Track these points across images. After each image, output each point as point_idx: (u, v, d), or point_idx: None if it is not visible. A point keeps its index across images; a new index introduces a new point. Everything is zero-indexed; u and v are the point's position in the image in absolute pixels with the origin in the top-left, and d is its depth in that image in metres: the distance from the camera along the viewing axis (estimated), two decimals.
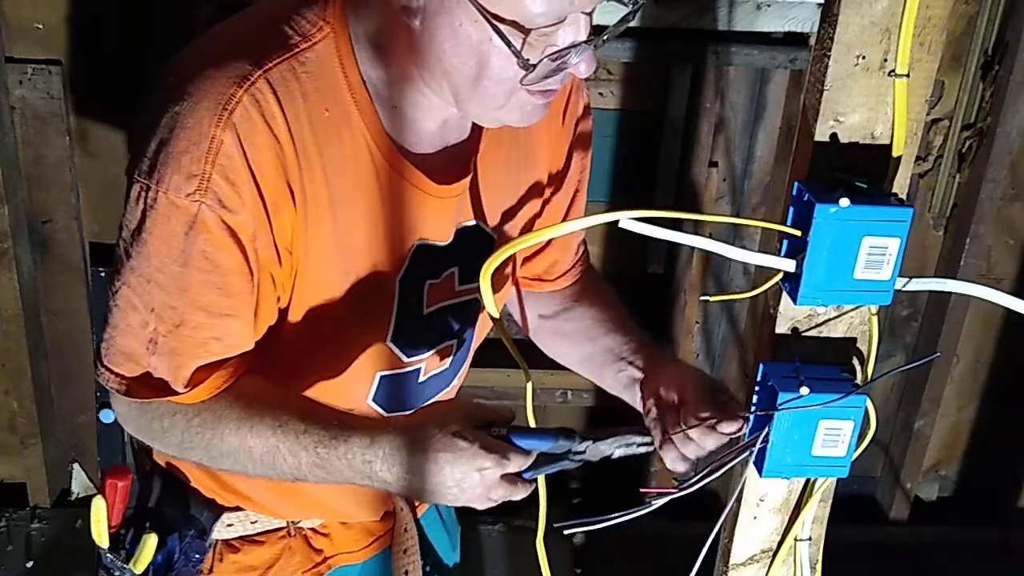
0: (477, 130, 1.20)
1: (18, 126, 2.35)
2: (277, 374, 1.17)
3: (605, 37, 1.04)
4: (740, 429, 1.11)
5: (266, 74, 1.03)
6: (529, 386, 1.17)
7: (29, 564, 2.56)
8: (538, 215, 1.32)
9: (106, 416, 2.53)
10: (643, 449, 1.12)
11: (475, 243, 1.23)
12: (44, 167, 2.39)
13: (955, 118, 2.52)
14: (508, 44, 0.98)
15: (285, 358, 1.17)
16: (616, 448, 1.12)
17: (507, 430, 1.09)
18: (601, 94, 2.42)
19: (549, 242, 1.37)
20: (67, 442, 2.70)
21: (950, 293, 2.14)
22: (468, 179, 1.19)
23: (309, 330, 1.15)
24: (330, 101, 1.07)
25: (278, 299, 1.13)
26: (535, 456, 1.09)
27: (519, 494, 1.10)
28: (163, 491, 1.30)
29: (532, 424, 1.18)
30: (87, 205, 2.45)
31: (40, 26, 2.28)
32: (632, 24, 2.38)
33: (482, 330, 1.34)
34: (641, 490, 1.19)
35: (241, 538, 1.32)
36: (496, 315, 1.12)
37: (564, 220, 1.35)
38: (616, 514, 1.11)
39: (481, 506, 1.11)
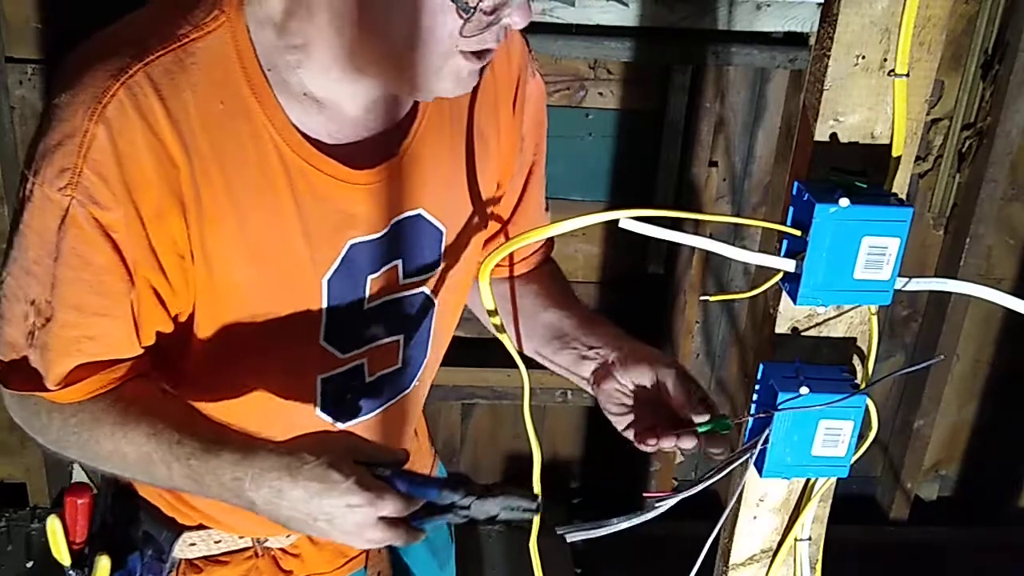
0: (408, 117, 1.14)
1: (18, 126, 2.35)
2: (207, 390, 1.14)
3: None
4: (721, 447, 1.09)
5: (146, 67, 0.99)
6: (527, 386, 1.17)
7: (29, 564, 2.56)
8: (491, 204, 1.27)
9: None
10: (528, 515, 1.05)
11: (419, 234, 1.18)
12: None
13: (955, 118, 2.52)
14: None
15: (210, 371, 1.14)
16: (501, 510, 1.04)
17: (391, 472, 1.03)
18: (601, 94, 2.42)
19: (505, 230, 1.32)
20: None
21: (950, 293, 2.13)
22: (393, 163, 1.12)
23: (230, 339, 1.11)
24: (225, 93, 1.02)
25: (168, 307, 1.08)
26: (419, 503, 1.02)
27: (401, 540, 1.02)
28: (118, 509, 1.26)
29: (530, 427, 1.18)
30: None
31: (40, 26, 2.28)
32: (632, 24, 2.38)
33: (444, 327, 1.28)
34: (644, 494, 1.19)
35: (205, 558, 1.27)
36: (495, 314, 1.12)
37: (518, 207, 1.31)
38: (618, 520, 1.10)
39: (359, 546, 1.05)
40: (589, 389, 1.24)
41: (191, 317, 1.10)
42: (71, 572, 1.26)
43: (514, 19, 1.01)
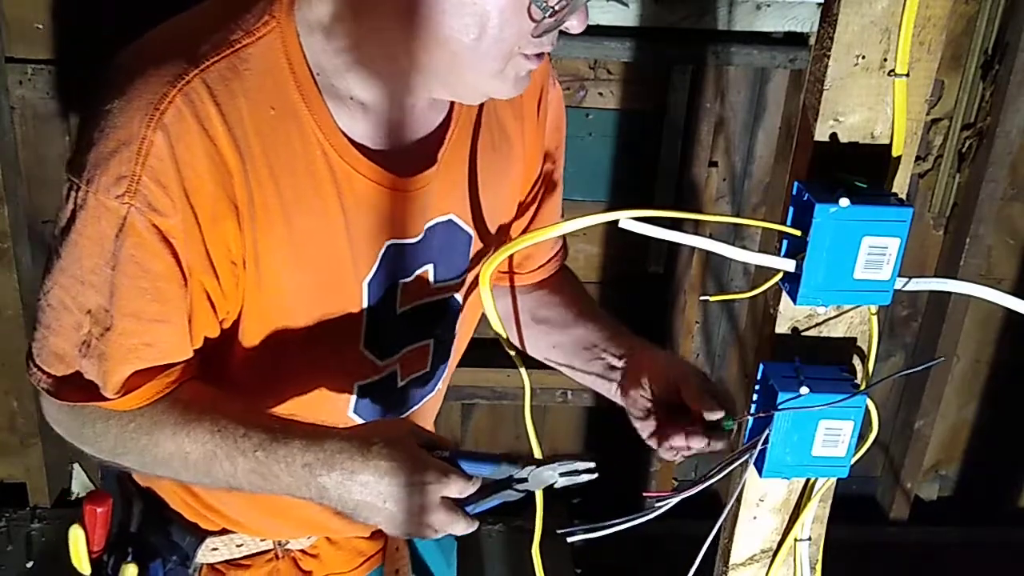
0: (444, 123, 1.15)
1: (18, 126, 2.35)
2: (247, 395, 1.13)
3: None
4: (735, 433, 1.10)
5: (202, 73, 0.99)
6: (528, 386, 1.17)
7: (29, 564, 2.56)
8: (515, 208, 1.29)
9: None
10: (586, 477, 1.08)
11: (450, 239, 1.19)
12: (44, 167, 2.39)
13: (955, 118, 2.52)
14: None
15: (253, 377, 1.13)
16: (559, 475, 1.07)
17: (450, 453, 1.05)
18: (601, 94, 2.42)
19: (527, 228, 1.33)
20: (67, 442, 2.69)
21: (950, 293, 2.14)
22: (433, 171, 1.13)
23: (275, 346, 1.11)
24: (276, 98, 1.02)
25: (217, 311, 1.08)
26: (479, 482, 1.04)
27: (459, 526, 1.04)
28: (144, 516, 1.26)
29: (530, 427, 1.18)
30: None
31: (40, 26, 2.28)
32: (632, 24, 2.38)
33: (465, 331, 1.30)
34: (644, 494, 1.19)
35: (227, 562, 1.27)
36: (494, 315, 1.12)
37: (539, 212, 1.33)
38: (618, 520, 1.10)
39: (417, 532, 1.05)
40: (616, 398, 1.26)
41: (236, 323, 1.10)
42: None
43: (573, 23, 1.02)
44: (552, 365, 1.35)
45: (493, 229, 1.25)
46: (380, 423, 1.09)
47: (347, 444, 1.02)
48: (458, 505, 1.03)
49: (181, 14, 1.08)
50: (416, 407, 1.28)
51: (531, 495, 1.09)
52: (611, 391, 1.27)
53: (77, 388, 1.06)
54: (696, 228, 2.36)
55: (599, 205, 2.48)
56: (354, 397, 1.20)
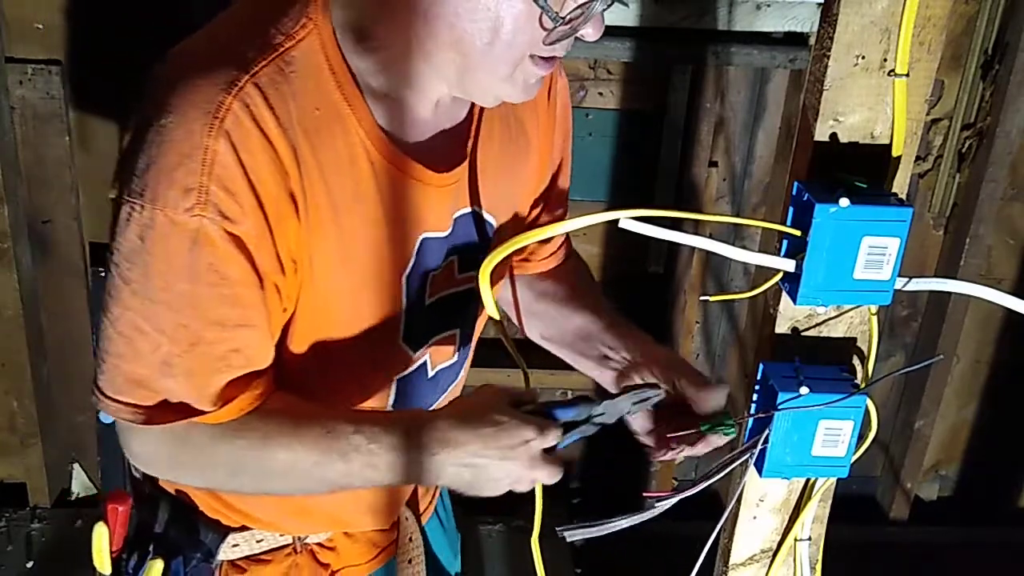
0: (469, 115, 1.18)
1: (18, 126, 2.35)
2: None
3: None
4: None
5: (254, 78, 0.99)
6: (528, 386, 1.17)
7: (29, 564, 2.56)
8: (531, 196, 1.31)
9: (106, 416, 2.51)
10: (656, 399, 1.16)
11: (474, 230, 1.21)
12: (44, 167, 2.39)
13: (955, 118, 2.52)
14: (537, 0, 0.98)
15: (298, 378, 1.14)
16: (631, 404, 1.14)
17: (533, 408, 1.11)
18: (601, 94, 2.42)
19: (539, 217, 1.35)
20: (67, 442, 2.70)
21: (950, 293, 2.14)
22: (465, 165, 1.17)
23: (320, 345, 1.13)
24: (319, 99, 1.04)
25: (284, 310, 1.10)
26: (564, 426, 1.11)
27: (556, 474, 1.09)
28: (171, 516, 1.26)
29: None
30: (87, 205, 2.45)
31: (40, 26, 2.28)
32: (632, 24, 2.38)
33: (481, 319, 1.32)
34: (644, 493, 1.20)
35: (247, 558, 1.28)
36: (496, 315, 1.12)
37: (549, 201, 1.35)
38: (618, 519, 1.11)
39: (522, 486, 1.09)
40: (613, 389, 1.27)
41: (287, 325, 1.11)
42: None
43: (588, 31, 1.03)
44: (552, 351, 1.39)
45: (511, 219, 1.27)
46: (471, 397, 1.13)
47: (453, 420, 1.07)
48: (551, 455, 1.09)
49: (210, 24, 1.09)
50: (443, 396, 1.31)
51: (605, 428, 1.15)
52: (607, 381, 1.29)
53: (167, 410, 1.05)
54: (696, 228, 2.36)
55: (599, 205, 2.49)
56: (393, 390, 1.22)
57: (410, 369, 1.22)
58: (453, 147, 1.16)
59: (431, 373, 1.26)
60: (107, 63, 2.30)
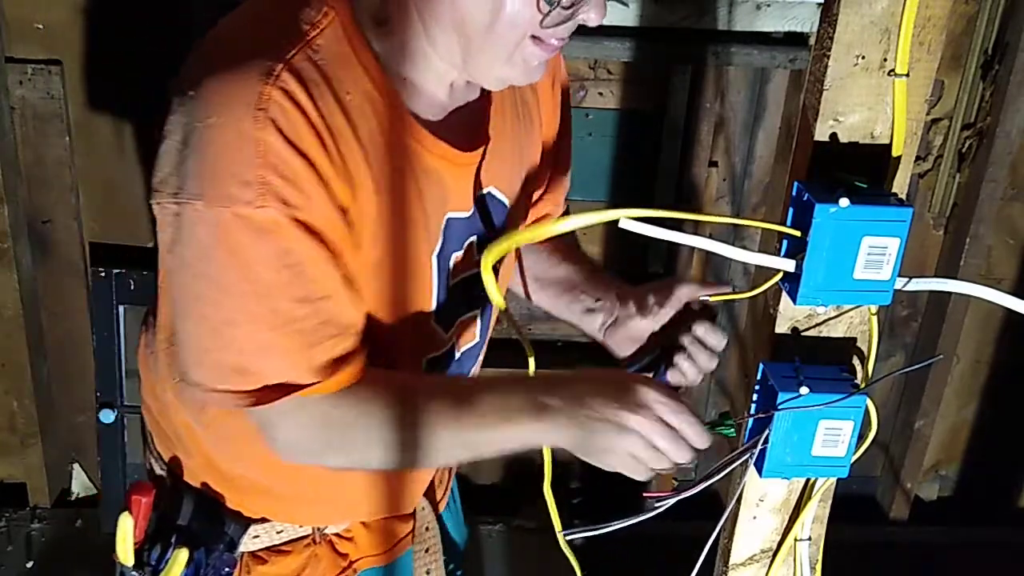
0: (483, 96, 1.20)
1: (18, 126, 2.35)
2: None
3: None
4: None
5: (288, 65, 1.01)
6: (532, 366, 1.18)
7: (29, 564, 2.56)
8: (537, 173, 1.34)
9: (106, 416, 2.52)
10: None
11: (491, 210, 1.24)
12: (44, 167, 2.39)
13: (955, 118, 2.52)
14: None
15: None
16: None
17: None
18: (601, 94, 2.42)
19: (543, 196, 1.39)
20: (67, 442, 2.70)
21: (950, 293, 2.13)
22: (487, 146, 1.19)
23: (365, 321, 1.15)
24: (349, 84, 1.05)
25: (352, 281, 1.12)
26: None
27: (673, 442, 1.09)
28: (196, 508, 1.28)
29: None
30: (87, 205, 2.45)
31: (40, 26, 2.28)
32: (632, 24, 2.38)
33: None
34: (643, 494, 1.20)
35: (267, 549, 1.31)
36: (502, 304, 1.12)
37: (552, 182, 1.39)
38: (618, 520, 1.11)
39: (673, 460, 1.07)
40: (600, 338, 1.34)
41: None
42: (133, 572, 1.25)
43: (591, 16, 1.05)
44: (549, 311, 1.43)
45: (522, 198, 1.30)
46: (591, 370, 1.14)
47: (576, 383, 1.08)
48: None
49: (222, 23, 1.10)
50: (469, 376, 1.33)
51: None
52: (595, 329, 1.34)
53: (271, 390, 1.07)
54: (696, 228, 2.36)
55: (599, 205, 2.48)
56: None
57: (440, 351, 1.25)
58: (470, 128, 1.19)
59: (457, 355, 1.28)
60: (107, 63, 2.30)
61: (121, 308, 2.46)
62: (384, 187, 1.09)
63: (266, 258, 1.02)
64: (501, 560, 2.62)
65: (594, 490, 2.79)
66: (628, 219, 0.94)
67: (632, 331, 1.30)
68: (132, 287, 2.44)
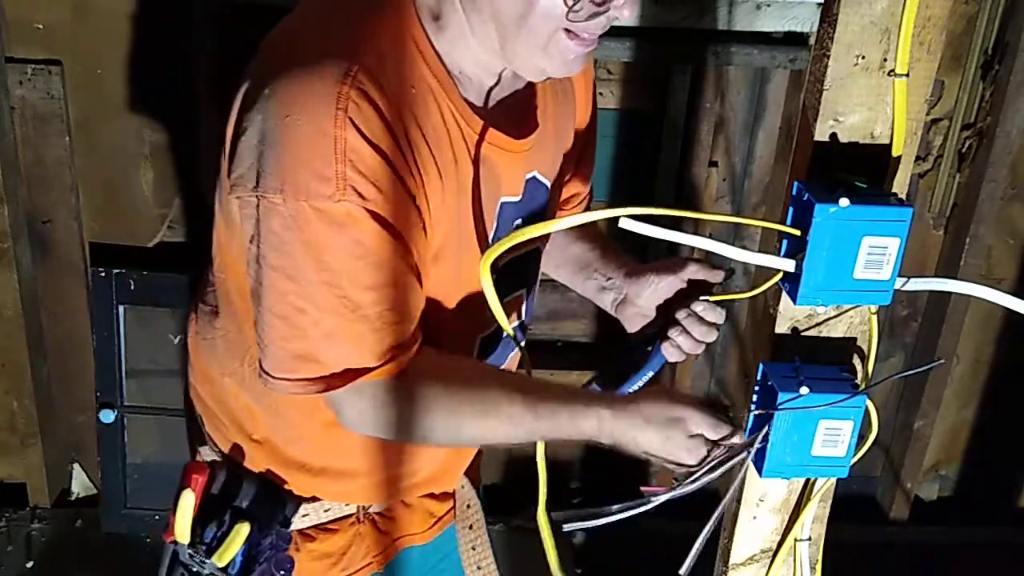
0: (529, 83, 1.24)
1: (18, 126, 2.35)
2: None
3: None
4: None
5: (361, 64, 1.06)
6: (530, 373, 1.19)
7: (29, 564, 2.56)
8: (571, 154, 1.38)
9: (106, 416, 2.52)
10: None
11: (535, 193, 1.29)
12: (44, 167, 2.39)
13: (955, 118, 2.52)
14: None
15: None
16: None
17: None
18: (601, 94, 2.42)
19: (575, 174, 1.43)
20: (67, 442, 2.70)
21: (950, 293, 2.14)
22: (537, 133, 1.24)
23: (425, 307, 1.19)
24: (413, 78, 1.11)
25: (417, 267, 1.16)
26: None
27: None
28: (259, 491, 1.31)
29: None
30: (87, 205, 2.45)
31: (40, 26, 2.28)
32: (632, 24, 2.38)
33: (538, 279, 1.42)
34: (641, 488, 1.20)
35: (316, 527, 1.35)
36: (502, 316, 1.12)
37: (579, 163, 1.43)
38: (614, 509, 1.11)
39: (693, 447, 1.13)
40: (613, 313, 1.40)
41: None
42: (188, 550, 1.26)
43: (623, 12, 1.08)
44: (567, 285, 1.49)
45: (558, 180, 1.35)
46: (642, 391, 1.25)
47: (626, 404, 1.15)
48: None
49: (289, 19, 1.16)
50: (509, 357, 1.37)
51: None
52: (607, 306, 1.40)
53: (336, 377, 1.12)
54: (696, 228, 2.36)
55: (599, 205, 2.44)
56: (476, 348, 1.30)
57: (490, 330, 1.30)
58: (519, 115, 1.24)
59: (504, 334, 1.32)
60: (107, 63, 2.30)
61: (121, 308, 2.46)
62: (447, 176, 1.14)
63: (339, 249, 1.07)
64: (501, 560, 2.61)
65: (594, 490, 2.79)
66: (628, 218, 0.94)
67: (640, 308, 1.35)
68: (132, 287, 2.44)
